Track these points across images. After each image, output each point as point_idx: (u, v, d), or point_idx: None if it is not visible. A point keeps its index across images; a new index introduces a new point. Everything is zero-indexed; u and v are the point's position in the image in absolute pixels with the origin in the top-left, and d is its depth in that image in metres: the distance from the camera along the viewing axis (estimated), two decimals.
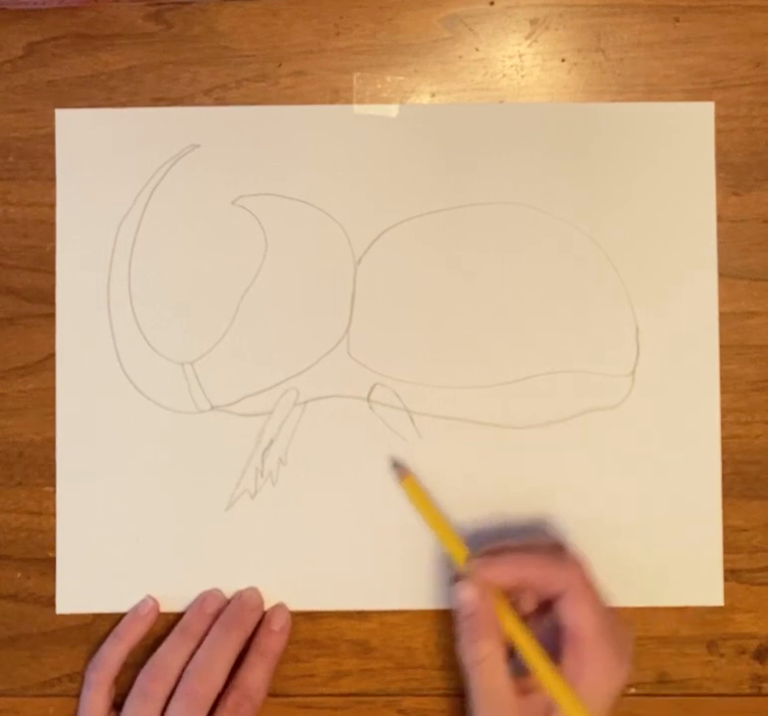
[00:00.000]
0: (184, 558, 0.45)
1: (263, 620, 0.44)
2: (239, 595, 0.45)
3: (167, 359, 0.46)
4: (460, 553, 0.42)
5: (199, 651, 0.42)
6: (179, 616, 0.44)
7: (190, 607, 0.45)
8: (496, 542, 0.42)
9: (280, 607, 0.45)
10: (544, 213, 0.46)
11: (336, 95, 0.46)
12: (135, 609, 0.45)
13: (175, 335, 0.46)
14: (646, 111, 0.46)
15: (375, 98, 0.46)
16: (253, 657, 0.43)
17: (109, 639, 0.44)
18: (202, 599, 0.44)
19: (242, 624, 0.43)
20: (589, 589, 0.40)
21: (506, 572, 0.40)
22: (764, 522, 0.46)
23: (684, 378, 0.46)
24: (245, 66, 0.46)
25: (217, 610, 0.44)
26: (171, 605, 0.45)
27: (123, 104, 0.46)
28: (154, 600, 0.45)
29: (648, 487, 0.45)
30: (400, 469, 0.45)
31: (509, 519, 0.45)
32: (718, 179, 0.46)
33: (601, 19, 0.46)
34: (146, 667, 0.43)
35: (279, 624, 0.44)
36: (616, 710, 0.45)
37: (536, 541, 0.43)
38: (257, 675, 0.43)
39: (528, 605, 0.42)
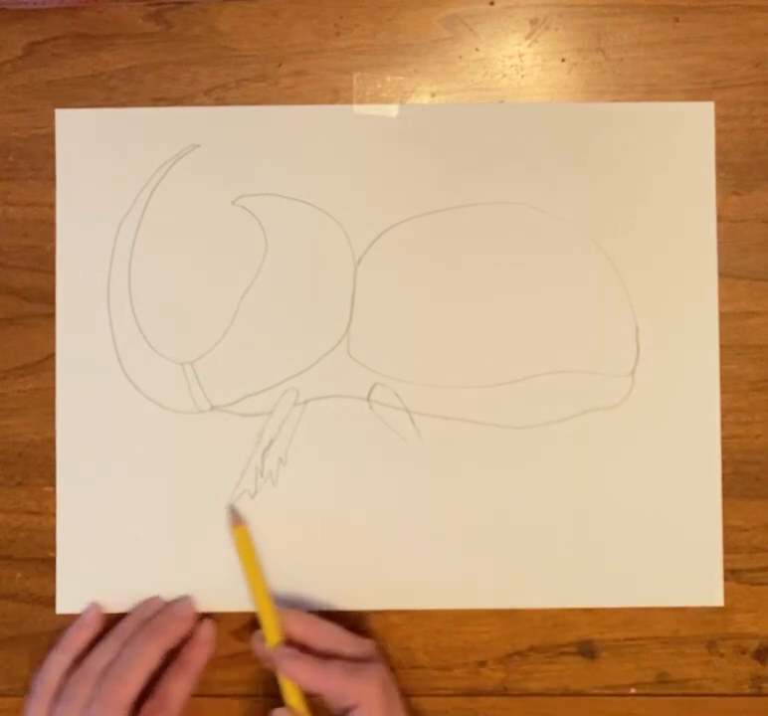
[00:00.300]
0: (184, 558, 0.45)
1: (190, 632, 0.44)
2: (170, 604, 0.44)
3: (167, 359, 0.46)
4: (271, 627, 0.42)
5: (119, 656, 0.42)
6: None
7: (130, 613, 0.44)
8: (319, 623, 0.43)
9: (207, 621, 0.44)
10: (544, 213, 0.46)
11: (336, 95, 0.46)
12: (81, 617, 0.44)
13: (175, 335, 0.46)
14: (646, 111, 0.46)
15: (375, 98, 0.46)
16: (174, 668, 0.43)
17: (53, 650, 0.44)
18: (143, 605, 0.44)
19: (166, 632, 0.43)
20: (383, 703, 0.40)
21: (304, 675, 0.41)
22: (764, 522, 0.46)
23: (684, 378, 0.46)
24: (245, 66, 0.46)
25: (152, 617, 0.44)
26: None
27: (123, 104, 0.46)
28: (98, 607, 0.44)
29: (648, 487, 0.45)
30: (234, 516, 0.45)
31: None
32: (718, 179, 0.46)
33: (601, 19, 0.46)
34: (76, 671, 0.42)
35: (204, 637, 0.44)
36: (616, 710, 0.45)
37: (349, 645, 0.42)
38: (176, 686, 0.42)
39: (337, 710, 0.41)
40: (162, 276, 0.46)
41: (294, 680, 0.41)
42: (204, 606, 0.45)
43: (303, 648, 0.42)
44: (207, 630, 0.44)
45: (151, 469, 0.45)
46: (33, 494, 0.46)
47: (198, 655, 0.44)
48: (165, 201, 0.46)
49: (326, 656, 0.42)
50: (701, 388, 0.46)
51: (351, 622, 0.45)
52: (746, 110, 0.46)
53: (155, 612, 0.44)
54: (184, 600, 0.45)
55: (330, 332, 0.46)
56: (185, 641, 0.44)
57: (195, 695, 0.44)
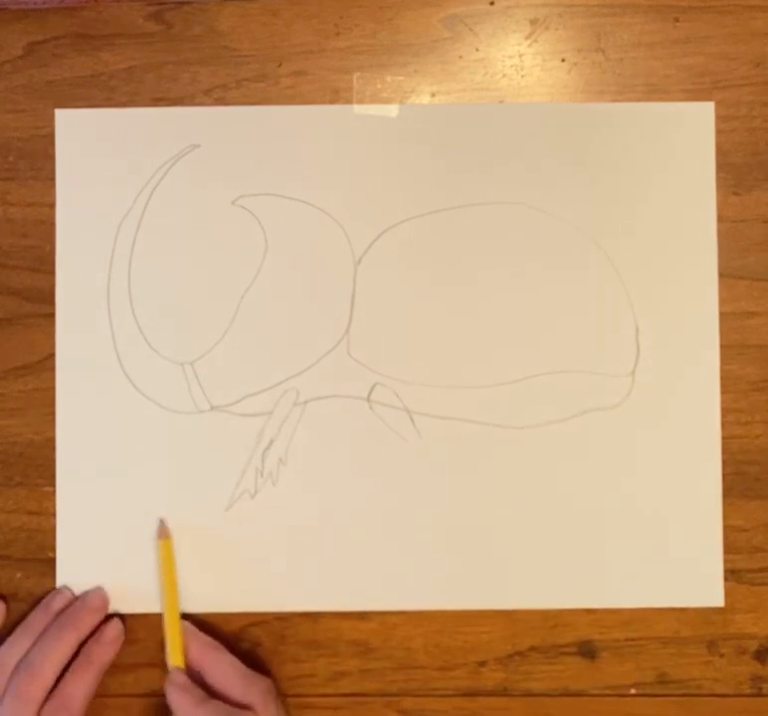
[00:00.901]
0: (184, 558, 0.45)
1: (95, 630, 0.44)
2: (82, 596, 0.44)
3: (167, 359, 0.46)
4: (175, 648, 0.43)
5: (31, 650, 0.42)
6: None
7: (38, 605, 0.44)
8: (216, 656, 0.43)
9: (115, 620, 0.44)
10: (544, 213, 0.46)
11: (336, 95, 0.46)
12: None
13: (175, 335, 0.46)
14: (646, 111, 0.46)
15: (375, 98, 0.46)
16: (79, 664, 0.43)
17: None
18: (51, 597, 0.44)
19: (77, 624, 0.43)
20: None
21: (180, 710, 0.41)
22: (764, 522, 0.46)
23: (684, 378, 0.46)
24: (245, 66, 0.46)
25: (62, 608, 0.44)
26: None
27: (123, 104, 0.46)
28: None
29: (648, 487, 0.45)
30: (161, 528, 0.45)
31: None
32: (718, 179, 0.46)
33: (601, 19, 0.46)
34: None
35: (110, 636, 0.44)
36: (616, 710, 0.45)
37: (235, 687, 0.42)
38: (79, 683, 0.42)
39: None
40: (162, 276, 0.46)
41: (173, 712, 0.41)
42: (203, 606, 0.45)
43: (199, 677, 0.43)
44: (113, 630, 0.44)
45: (151, 470, 0.45)
46: (33, 494, 0.46)
47: (103, 654, 0.43)
48: (165, 201, 0.46)
49: (215, 693, 0.42)
50: (702, 388, 0.46)
51: (351, 621, 0.45)
52: (746, 110, 0.46)
53: (64, 604, 0.44)
54: (96, 590, 0.44)
55: (330, 332, 0.46)
56: (90, 638, 0.44)
57: None
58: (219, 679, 0.42)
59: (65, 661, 0.42)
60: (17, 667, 0.42)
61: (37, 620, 0.43)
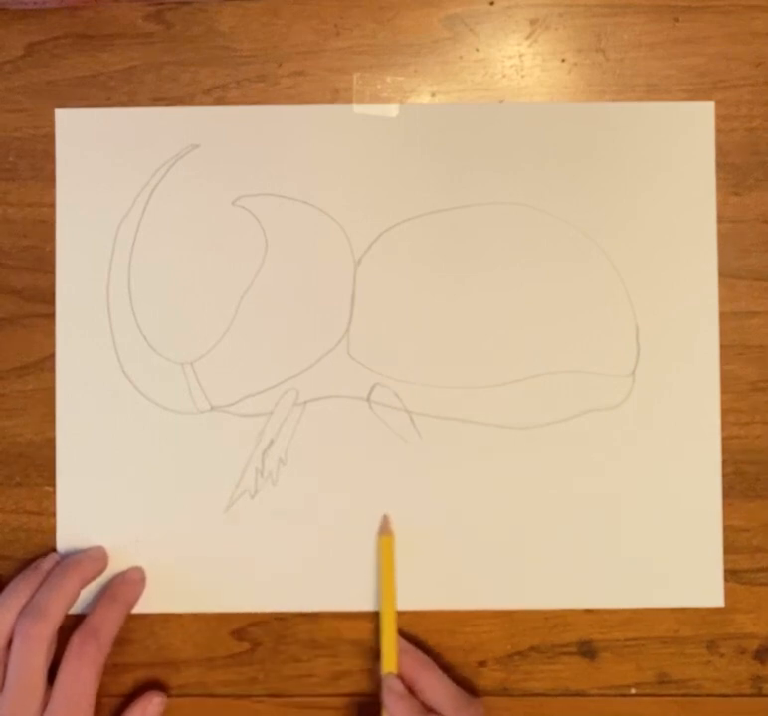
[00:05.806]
0: (184, 558, 0.45)
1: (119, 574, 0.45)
2: (82, 550, 0.45)
3: (167, 359, 0.46)
4: (389, 654, 0.43)
5: (36, 594, 0.42)
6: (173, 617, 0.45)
7: (27, 567, 0.44)
8: (428, 672, 0.43)
9: (137, 566, 0.45)
10: (544, 213, 0.46)
11: (336, 95, 0.46)
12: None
13: (175, 335, 0.46)
14: (646, 111, 0.46)
15: (375, 98, 0.46)
16: (103, 601, 0.43)
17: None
18: (39, 560, 0.44)
19: (80, 567, 0.43)
20: None
21: (405, 712, 0.41)
22: (764, 522, 0.46)
23: (684, 378, 0.46)
24: (245, 66, 0.46)
25: (52, 568, 0.44)
26: (171, 606, 0.45)
27: (123, 104, 0.46)
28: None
29: (648, 487, 0.45)
30: (384, 523, 0.45)
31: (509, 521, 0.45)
32: (718, 179, 0.46)
33: (601, 19, 0.46)
34: None
35: (135, 576, 0.44)
36: (616, 710, 0.45)
37: (448, 708, 0.42)
38: (105, 616, 0.42)
39: None
40: (162, 277, 0.46)
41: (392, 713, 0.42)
42: (204, 606, 0.45)
43: (410, 689, 0.43)
44: (137, 572, 0.44)
45: (151, 470, 0.45)
46: (33, 494, 0.46)
47: (128, 592, 0.44)
48: (165, 201, 0.46)
49: (428, 708, 0.42)
50: (701, 388, 0.46)
51: (351, 621, 0.45)
52: (746, 110, 0.46)
53: (53, 564, 0.44)
54: (95, 546, 0.45)
55: (330, 332, 0.46)
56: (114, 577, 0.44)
57: (195, 695, 0.44)
58: (429, 697, 0.42)
59: (71, 602, 0.42)
60: (24, 610, 0.41)
61: (27, 577, 0.43)
